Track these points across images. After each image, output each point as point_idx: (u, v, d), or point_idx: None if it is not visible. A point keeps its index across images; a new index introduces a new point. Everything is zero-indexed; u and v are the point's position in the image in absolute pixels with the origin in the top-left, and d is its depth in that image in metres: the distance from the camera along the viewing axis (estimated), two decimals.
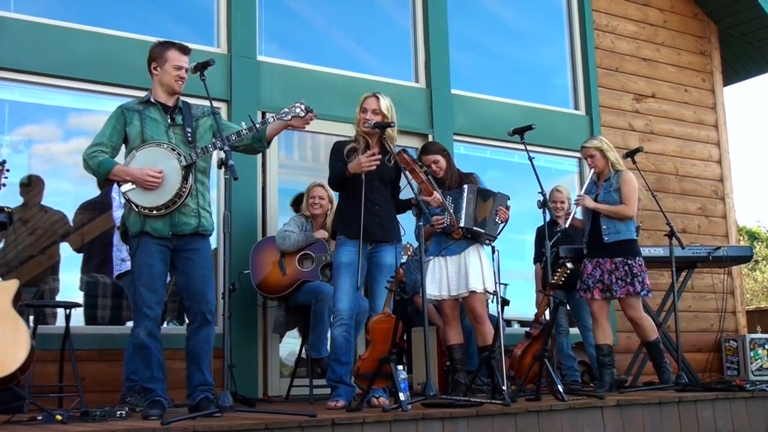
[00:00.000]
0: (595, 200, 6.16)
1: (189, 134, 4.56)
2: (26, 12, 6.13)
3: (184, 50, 4.67)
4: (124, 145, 4.62)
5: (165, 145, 4.48)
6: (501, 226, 5.78)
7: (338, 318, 4.97)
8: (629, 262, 6.02)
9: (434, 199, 5.13)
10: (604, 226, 6.10)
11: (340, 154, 5.14)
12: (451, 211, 5.56)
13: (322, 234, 6.21)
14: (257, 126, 4.63)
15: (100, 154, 4.49)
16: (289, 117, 4.75)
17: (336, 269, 5.06)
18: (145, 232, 4.45)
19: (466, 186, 5.74)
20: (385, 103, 5.10)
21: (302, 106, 4.75)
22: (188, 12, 7.09)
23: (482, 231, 5.69)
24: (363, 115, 5.11)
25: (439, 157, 5.87)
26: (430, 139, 7.65)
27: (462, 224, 5.59)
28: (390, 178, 5.17)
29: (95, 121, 6.51)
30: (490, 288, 5.65)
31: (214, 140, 4.57)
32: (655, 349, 6.14)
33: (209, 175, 4.73)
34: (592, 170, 6.28)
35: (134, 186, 4.43)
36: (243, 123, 4.64)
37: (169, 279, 4.71)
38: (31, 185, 6.22)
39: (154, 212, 4.42)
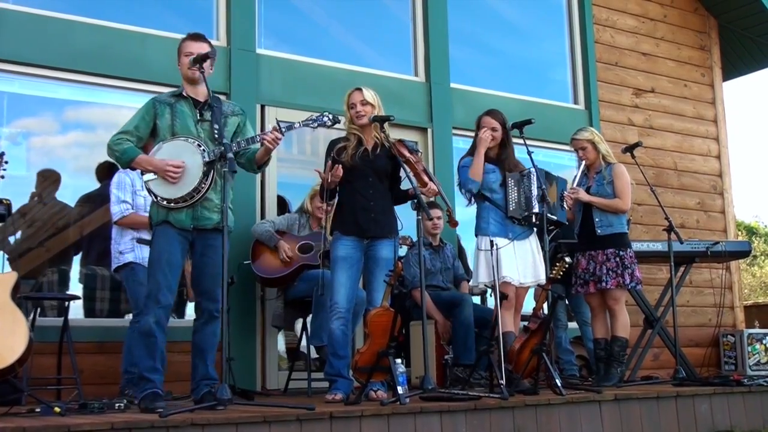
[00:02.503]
0: (587, 192, 6.14)
1: (216, 131, 4.57)
2: (26, 4, 6.12)
3: (194, 37, 4.70)
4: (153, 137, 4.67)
5: (192, 140, 4.52)
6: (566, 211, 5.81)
7: (336, 312, 5.00)
8: (621, 253, 6.00)
9: (429, 189, 5.04)
10: (597, 219, 6.07)
11: (329, 157, 5.14)
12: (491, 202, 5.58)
13: (284, 248, 6.14)
14: (282, 129, 4.59)
15: (125, 141, 4.56)
16: (316, 125, 4.76)
17: (333, 263, 5.09)
18: (167, 221, 4.49)
19: (533, 168, 5.65)
20: (370, 93, 5.13)
21: (330, 116, 4.76)
22: (188, 4, 7.08)
23: (555, 218, 5.69)
24: (353, 110, 5.13)
25: (498, 126, 5.79)
26: (429, 132, 7.66)
27: (536, 209, 5.55)
28: (386, 171, 5.15)
29: (94, 114, 6.54)
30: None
31: (238, 141, 4.60)
32: (619, 346, 6.03)
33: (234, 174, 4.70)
34: (582, 162, 6.24)
35: (156, 177, 4.47)
36: (270, 125, 4.64)
37: None
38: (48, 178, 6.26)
39: (172, 204, 4.46)
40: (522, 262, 5.68)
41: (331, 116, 4.75)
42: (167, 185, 4.46)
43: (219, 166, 4.45)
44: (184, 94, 4.67)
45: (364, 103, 5.10)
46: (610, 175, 6.11)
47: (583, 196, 6.10)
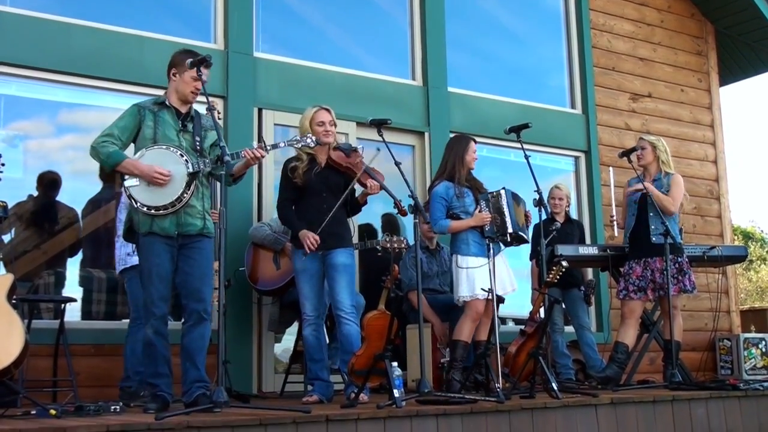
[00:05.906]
0: (644, 198, 6.24)
1: (198, 143, 4.63)
2: (23, 6, 6.12)
3: (206, 64, 4.66)
4: (133, 143, 4.66)
5: (175, 149, 4.53)
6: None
7: (306, 320, 5.21)
8: (679, 260, 6.17)
9: (371, 187, 5.17)
10: (653, 227, 6.18)
11: (286, 179, 5.32)
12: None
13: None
14: (267, 147, 4.70)
15: (110, 144, 4.52)
16: (299, 145, 4.86)
17: (296, 276, 5.28)
18: (152, 232, 4.50)
19: (503, 190, 5.74)
20: (333, 114, 5.36)
21: (313, 138, 4.85)
22: (185, 8, 7.08)
23: (524, 236, 5.82)
24: (320, 128, 5.26)
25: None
26: (427, 136, 7.66)
27: (511, 230, 5.67)
28: (338, 186, 5.28)
29: (91, 117, 6.53)
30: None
31: (219, 158, 4.54)
32: (677, 347, 6.20)
33: (211, 181, 4.81)
34: (639, 179, 6.33)
35: (138, 183, 4.47)
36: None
37: None
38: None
39: (153, 211, 4.47)
40: (498, 275, 5.62)
41: (314, 138, 4.87)
42: (149, 192, 4.46)
43: (202, 175, 4.56)
44: (167, 103, 4.68)
45: (332, 123, 5.30)
46: (668, 184, 6.31)
47: (648, 185, 6.23)
